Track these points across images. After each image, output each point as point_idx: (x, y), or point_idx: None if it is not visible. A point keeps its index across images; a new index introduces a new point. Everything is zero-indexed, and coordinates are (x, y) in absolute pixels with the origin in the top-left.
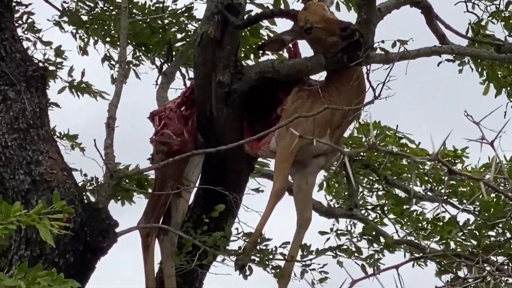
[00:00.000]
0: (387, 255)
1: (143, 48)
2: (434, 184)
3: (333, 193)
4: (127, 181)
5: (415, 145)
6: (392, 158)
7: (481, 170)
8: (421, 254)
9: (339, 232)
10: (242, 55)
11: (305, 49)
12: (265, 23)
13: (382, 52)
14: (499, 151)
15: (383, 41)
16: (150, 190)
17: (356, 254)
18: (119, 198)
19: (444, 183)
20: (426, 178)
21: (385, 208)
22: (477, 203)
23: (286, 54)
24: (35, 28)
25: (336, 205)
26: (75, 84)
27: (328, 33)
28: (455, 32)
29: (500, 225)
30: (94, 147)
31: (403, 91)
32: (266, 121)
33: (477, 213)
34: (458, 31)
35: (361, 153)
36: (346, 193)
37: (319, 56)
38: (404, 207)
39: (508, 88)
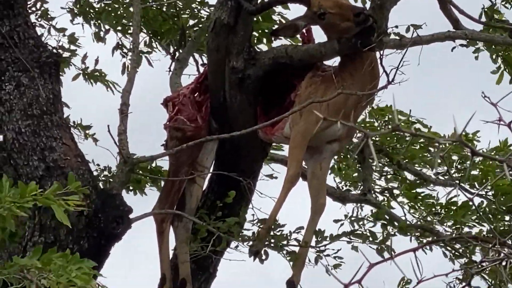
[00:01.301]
0: (399, 242)
1: (156, 37)
2: (446, 167)
3: (343, 176)
4: (140, 171)
5: (427, 129)
6: (405, 144)
7: (492, 153)
8: (436, 240)
9: (353, 218)
10: (255, 40)
11: (319, 35)
12: (278, 8)
13: (396, 37)
14: None
15: (396, 26)
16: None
17: (370, 239)
18: (131, 189)
19: (468, 165)
20: (439, 161)
21: (396, 192)
22: (489, 187)
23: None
24: (49, 16)
25: (345, 188)
26: (88, 72)
27: (341, 18)
28: (469, 17)
29: None
30: (108, 133)
31: (416, 76)
32: (279, 106)
33: (490, 197)
34: (472, 16)
35: (375, 138)
36: (355, 175)
37: (332, 42)
38: (417, 191)
39: None
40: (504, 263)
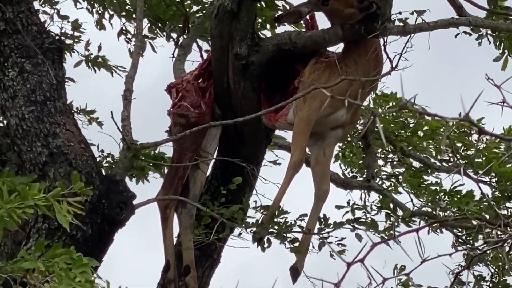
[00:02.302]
0: (402, 226)
1: (160, 23)
2: (451, 155)
3: (349, 163)
4: (143, 158)
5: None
6: (408, 131)
7: (497, 140)
8: (441, 219)
9: (354, 207)
10: (259, 26)
11: (322, 21)
12: None
13: (400, 24)
14: None
15: (400, 13)
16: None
17: (373, 227)
18: (134, 176)
19: (476, 144)
20: (445, 149)
21: (400, 178)
22: (493, 174)
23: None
24: (52, 1)
25: (350, 174)
26: (91, 58)
27: (345, 4)
28: (473, 3)
29: None
30: (111, 119)
31: (420, 63)
32: (283, 93)
33: (494, 184)
34: (476, 2)
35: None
36: (361, 162)
37: (336, 28)
38: (422, 179)
39: None
40: (506, 247)
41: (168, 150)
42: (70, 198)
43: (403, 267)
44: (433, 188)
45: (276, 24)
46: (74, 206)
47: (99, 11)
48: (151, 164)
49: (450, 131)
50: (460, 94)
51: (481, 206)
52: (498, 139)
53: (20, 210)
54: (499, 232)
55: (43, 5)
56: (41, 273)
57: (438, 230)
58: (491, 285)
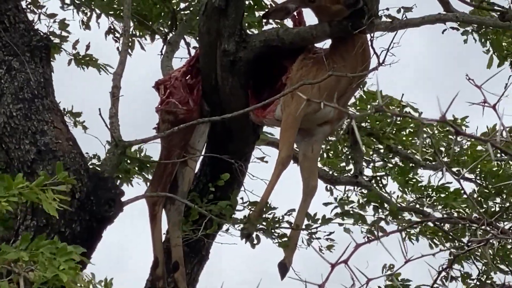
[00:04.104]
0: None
1: (147, 20)
2: (434, 149)
3: (331, 163)
4: (128, 161)
5: (418, 113)
6: (395, 128)
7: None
8: (424, 219)
9: (342, 202)
10: (247, 25)
11: (310, 18)
12: None
13: (387, 20)
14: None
15: (387, 9)
16: (152, 170)
17: (361, 221)
18: (119, 178)
19: (452, 145)
20: (427, 148)
21: (386, 178)
22: (478, 171)
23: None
24: (38, 3)
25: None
26: (80, 57)
27: (332, 1)
28: None
29: (505, 191)
30: (99, 116)
31: (408, 60)
32: (271, 89)
33: (479, 181)
34: None
35: (366, 122)
36: (342, 165)
37: (323, 24)
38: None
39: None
40: (490, 244)
41: (154, 152)
42: (54, 187)
43: (391, 266)
44: (420, 185)
45: (264, 21)
46: (59, 194)
47: (86, 12)
48: (138, 165)
49: (427, 131)
50: (437, 95)
51: (468, 204)
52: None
53: (4, 199)
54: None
55: (29, 6)
56: (25, 262)
57: (414, 238)
58: (478, 283)
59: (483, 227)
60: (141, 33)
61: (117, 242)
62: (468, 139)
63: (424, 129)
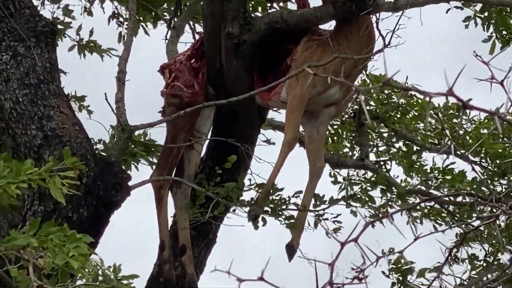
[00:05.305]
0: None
1: (152, 4)
2: (439, 137)
3: (334, 147)
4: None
5: (423, 95)
6: (400, 112)
7: (485, 121)
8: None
9: (352, 181)
10: (251, 8)
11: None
12: None
13: (392, 0)
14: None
15: None
16: (158, 154)
17: (369, 204)
18: (126, 161)
19: (459, 120)
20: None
21: (390, 163)
22: (483, 154)
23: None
24: None
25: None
26: (83, 43)
27: None
28: None
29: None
30: (105, 100)
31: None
32: (276, 72)
33: (484, 164)
34: None
35: (370, 105)
36: (346, 150)
37: (327, 6)
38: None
39: None
40: (499, 222)
41: (159, 137)
42: (62, 173)
43: (391, 249)
44: (426, 167)
45: (268, 4)
46: (67, 179)
47: None
48: (144, 148)
49: (434, 107)
50: (444, 69)
51: (474, 186)
52: (486, 120)
53: (14, 185)
54: (491, 208)
55: None
56: (34, 249)
57: (418, 221)
58: (484, 264)
59: (491, 203)
60: (144, 18)
61: (125, 227)
62: (473, 120)
63: (430, 111)
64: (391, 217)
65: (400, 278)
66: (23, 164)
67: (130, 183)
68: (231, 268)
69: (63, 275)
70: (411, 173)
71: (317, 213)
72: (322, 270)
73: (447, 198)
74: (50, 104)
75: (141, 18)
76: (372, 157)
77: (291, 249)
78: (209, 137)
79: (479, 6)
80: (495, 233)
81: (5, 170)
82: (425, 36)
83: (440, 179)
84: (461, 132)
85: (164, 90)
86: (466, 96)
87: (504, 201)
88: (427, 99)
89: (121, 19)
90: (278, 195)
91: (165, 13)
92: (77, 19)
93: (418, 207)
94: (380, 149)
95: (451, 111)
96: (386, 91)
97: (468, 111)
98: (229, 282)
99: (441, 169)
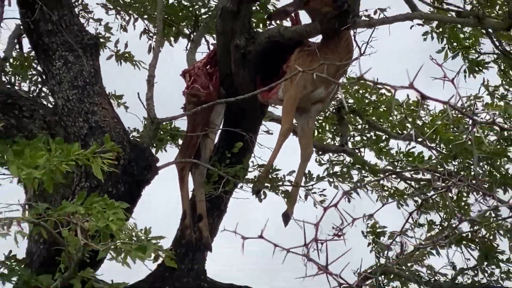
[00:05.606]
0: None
1: (175, 23)
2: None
3: (319, 138)
4: (161, 133)
5: (391, 93)
6: (372, 107)
7: (440, 114)
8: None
9: (334, 162)
10: (254, 25)
11: (304, 18)
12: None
13: (366, 19)
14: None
15: (366, 10)
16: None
17: (348, 180)
18: (155, 146)
19: (417, 110)
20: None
21: (363, 150)
22: (438, 141)
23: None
24: (87, 10)
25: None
26: (120, 54)
27: (322, 4)
28: (424, 2)
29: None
30: (138, 98)
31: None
32: (275, 76)
33: (438, 149)
34: (426, 0)
35: (348, 103)
36: (328, 141)
37: (315, 23)
38: (382, 145)
39: (463, 52)
40: (452, 189)
41: (182, 124)
42: (103, 154)
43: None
44: (392, 151)
45: (268, 22)
46: (107, 159)
47: (124, 18)
48: (169, 135)
49: (399, 104)
50: (406, 68)
51: (430, 165)
52: (440, 113)
53: (63, 164)
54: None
55: (80, 12)
56: (81, 215)
57: (385, 200)
58: (440, 228)
59: (445, 176)
60: (169, 33)
61: (155, 200)
62: (430, 113)
63: (396, 106)
64: (366, 188)
65: (375, 238)
66: (72, 147)
67: (158, 164)
68: (236, 229)
69: (104, 236)
70: (381, 156)
71: (307, 188)
72: (310, 232)
73: (409, 175)
74: (94, 102)
75: (166, 33)
76: (350, 144)
77: (286, 217)
78: (221, 127)
79: (435, 23)
80: (448, 203)
81: (58, 151)
82: (395, 49)
83: (404, 160)
84: (419, 122)
85: (185, 90)
86: (426, 93)
87: (454, 175)
88: (393, 91)
89: (150, 34)
90: (276, 174)
91: (186, 29)
92: (114, 34)
93: (385, 188)
94: (357, 138)
95: (412, 107)
96: (361, 91)
97: (426, 106)
98: (236, 241)
99: (404, 152)
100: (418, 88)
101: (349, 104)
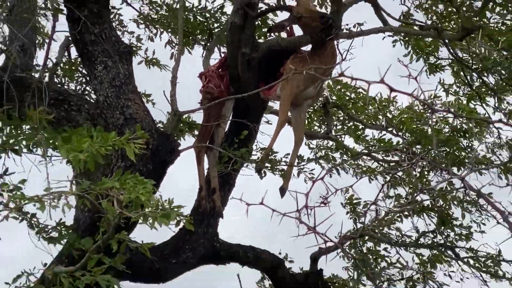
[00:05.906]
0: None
1: (192, 34)
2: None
3: (309, 126)
4: (181, 124)
5: (366, 89)
6: (351, 102)
7: (406, 109)
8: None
9: (320, 147)
10: (256, 36)
11: (297, 31)
12: (270, 15)
13: (347, 31)
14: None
15: (347, 24)
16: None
17: (332, 162)
18: (175, 136)
19: (388, 104)
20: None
21: (344, 137)
22: (404, 130)
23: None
24: (123, 24)
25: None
26: (149, 59)
27: (312, 19)
28: (393, 18)
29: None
30: (164, 95)
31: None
32: (274, 77)
33: (404, 137)
34: (395, 17)
35: (332, 99)
36: (316, 129)
37: (306, 35)
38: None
39: (425, 56)
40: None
41: (198, 118)
42: (135, 140)
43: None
44: (367, 138)
45: (268, 34)
46: (138, 144)
47: (152, 31)
48: (187, 128)
49: (373, 99)
50: (378, 67)
51: (399, 147)
52: (406, 109)
53: (103, 148)
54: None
55: (117, 26)
56: (117, 189)
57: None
58: (406, 200)
59: (409, 154)
60: (188, 43)
61: (177, 178)
62: (398, 107)
63: (371, 102)
64: (347, 168)
65: (352, 208)
66: (110, 134)
67: (179, 148)
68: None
69: (136, 205)
70: (358, 142)
71: (299, 167)
72: (302, 202)
73: (380, 157)
74: (128, 98)
75: (186, 43)
76: (333, 132)
77: (282, 190)
78: (230, 118)
79: (403, 34)
80: (412, 179)
81: (98, 138)
82: (370, 55)
83: (377, 145)
84: (389, 115)
85: (202, 89)
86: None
87: (417, 154)
88: (367, 86)
89: (173, 44)
90: (275, 156)
91: (202, 40)
92: (144, 44)
93: (360, 167)
94: (339, 127)
95: (384, 103)
96: (343, 90)
97: (395, 102)
98: (242, 209)
99: (377, 139)
100: (388, 83)
101: (333, 100)
